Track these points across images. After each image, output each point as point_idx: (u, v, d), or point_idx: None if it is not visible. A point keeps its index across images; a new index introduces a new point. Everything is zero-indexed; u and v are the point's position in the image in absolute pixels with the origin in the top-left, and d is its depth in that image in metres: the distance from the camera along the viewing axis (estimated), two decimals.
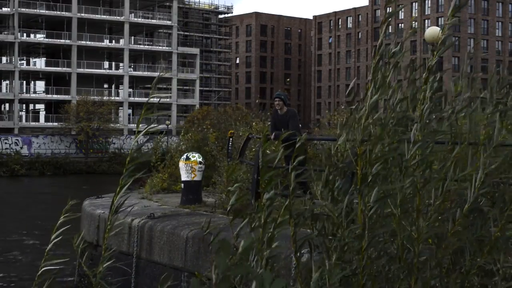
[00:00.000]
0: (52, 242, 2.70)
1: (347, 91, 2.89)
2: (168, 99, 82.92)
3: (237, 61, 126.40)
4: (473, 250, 2.59)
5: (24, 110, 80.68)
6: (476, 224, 2.61)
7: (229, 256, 1.87)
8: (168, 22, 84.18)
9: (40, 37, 78.12)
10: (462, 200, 2.64)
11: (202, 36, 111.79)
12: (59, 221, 2.77)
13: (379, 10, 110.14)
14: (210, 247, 2.74)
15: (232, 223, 2.70)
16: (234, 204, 2.74)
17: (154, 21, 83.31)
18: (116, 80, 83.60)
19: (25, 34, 76.16)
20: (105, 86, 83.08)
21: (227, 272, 1.87)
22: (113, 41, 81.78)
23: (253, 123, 18.16)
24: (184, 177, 11.87)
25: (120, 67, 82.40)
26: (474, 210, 2.62)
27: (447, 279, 2.62)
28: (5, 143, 65.83)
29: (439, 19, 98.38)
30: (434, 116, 2.71)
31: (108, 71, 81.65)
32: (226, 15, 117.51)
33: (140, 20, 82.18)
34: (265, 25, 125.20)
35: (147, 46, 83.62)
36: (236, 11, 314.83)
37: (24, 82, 77.39)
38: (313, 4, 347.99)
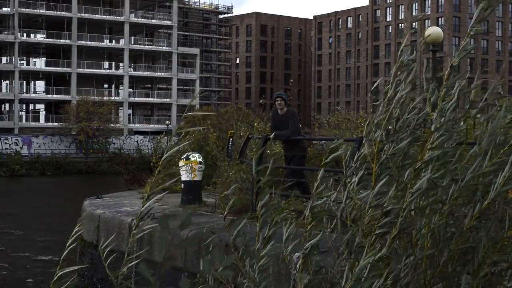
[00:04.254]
0: (68, 250, 2.71)
1: (372, 89, 2.92)
2: (168, 99, 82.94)
3: (237, 61, 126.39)
4: (487, 247, 2.61)
5: (24, 110, 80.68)
6: (490, 222, 2.63)
7: (171, 233, 1.92)
8: (168, 22, 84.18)
9: (40, 37, 78.11)
10: (478, 197, 2.66)
11: (202, 36, 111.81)
12: (75, 230, 2.77)
13: (379, 10, 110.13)
14: (211, 247, 2.77)
15: (230, 225, 2.71)
16: (232, 207, 2.78)
17: (154, 21, 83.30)
18: (116, 80, 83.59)
19: (25, 34, 76.15)
20: (105, 86, 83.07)
21: (171, 249, 1.91)
22: (113, 41, 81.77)
23: (255, 124, 18.18)
24: (184, 177, 11.86)
25: (120, 67, 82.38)
26: (491, 207, 2.65)
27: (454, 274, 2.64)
28: (5, 143, 65.82)
29: (439, 19, 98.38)
30: (453, 117, 2.73)
31: (108, 71, 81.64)
32: (226, 15, 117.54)
33: (140, 20, 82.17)
34: (265, 25, 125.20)
35: (147, 46, 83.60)
36: (236, 11, 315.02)
37: (24, 82, 77.38)
38: (313, 4, 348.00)
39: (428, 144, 2.63)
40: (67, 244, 2.71)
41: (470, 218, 2.63)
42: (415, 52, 2.91)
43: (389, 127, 2.69)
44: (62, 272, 2.64)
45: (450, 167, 2.66)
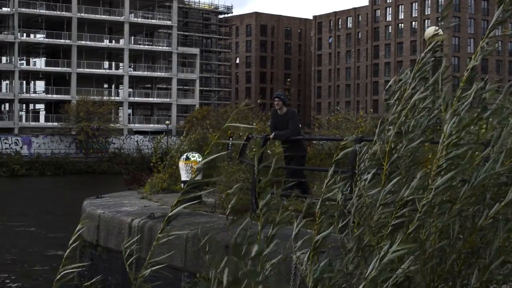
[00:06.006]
0: (70, 248, 2.72)
1: (386, 88, 2.92)
2: (168, 99, 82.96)
3: (237, 61, 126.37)
4: (498, 246, 2.62)
5: (24, 110, 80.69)
6: (500, 223, 2.64)
7: (241, 261, 1.88)
8: (168, 22, 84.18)
9: (40, 37, 78.12)
10: (489, 198, 2.67)
11: (202, 36, 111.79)
12: (77, 229, 2.79)
13: (379, 10, 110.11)
14: (207, 248, 2.76)
15: (232, 224, 2.71)
16: (234, 206, 2.76)
17: (154, 21, 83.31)
18: (116, 80, 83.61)
19: (25, 34, 76.16)
20: (105, 86, 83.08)
21: (238, 277, 1.88)
22: (113, 41, 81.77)
23: (253, 123, 18.16)
24: (184, 177, 11.87)
25: (120, 67, 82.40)
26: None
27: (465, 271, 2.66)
28: (5, 143, 65.83)
29: (439, 19, 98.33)
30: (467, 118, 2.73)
31: (108, 71, 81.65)
32: (226, 15, 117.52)
33: (140, 20, 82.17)
34: (265, 25, 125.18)
35: (147, 46, 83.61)
36: (237, 12, 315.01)
37: (24, 82, 77.39)
38: (313, 4, 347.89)
39: (445, 144, 2.64)
40: (70, 243, 2.72)
41: (485, 218, 2.64)
42: (431, 52, 2.92)
43: (402, 127, 2.70)
44: (65, 271, 2.65)
45: (463, 167, 2.67)
